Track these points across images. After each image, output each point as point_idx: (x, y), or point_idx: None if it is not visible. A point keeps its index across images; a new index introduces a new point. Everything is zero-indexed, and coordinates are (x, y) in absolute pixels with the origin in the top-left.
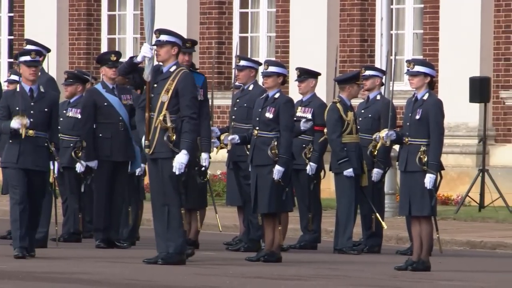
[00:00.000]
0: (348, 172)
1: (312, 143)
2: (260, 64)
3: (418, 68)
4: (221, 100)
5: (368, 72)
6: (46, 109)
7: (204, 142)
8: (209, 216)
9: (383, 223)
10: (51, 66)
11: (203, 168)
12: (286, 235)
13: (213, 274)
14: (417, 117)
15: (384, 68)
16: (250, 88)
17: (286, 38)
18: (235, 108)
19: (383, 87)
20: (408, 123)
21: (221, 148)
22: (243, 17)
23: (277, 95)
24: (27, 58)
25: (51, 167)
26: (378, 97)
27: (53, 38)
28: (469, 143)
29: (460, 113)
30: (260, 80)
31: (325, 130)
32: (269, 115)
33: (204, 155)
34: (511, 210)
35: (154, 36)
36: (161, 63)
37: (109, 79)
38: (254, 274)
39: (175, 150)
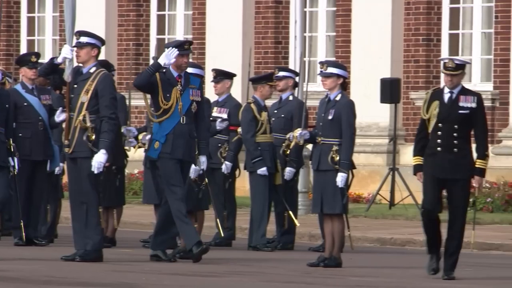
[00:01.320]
0: (262, 171)
1: (228, 143)
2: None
3: (330, 70)
4: (138, 101)
5: (281, 73)
6: (6, 105)
7: (202, 144)
8: (126, 214)
9: (296, 220)
10: None
11: (201, 172)
12: (202, 232)
13: (130, 271)
14: (330, 117)
15: (298, 70)
16: None
17: (202, 40)
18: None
19: (296, 88)
20: (321, 123)
21: (139, 147)
22: (160, 19)
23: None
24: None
25: (11, 163)
26: (291, 98)
27: None
28: (380, 142)
29: (372, 113)
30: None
31: (239, 129)
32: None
33: (202, 158)
34: (420, 207)
35: (74, 38)
36: (81, 64)
37: (28, 80)
38: (171, 271)
39: (94, 149)
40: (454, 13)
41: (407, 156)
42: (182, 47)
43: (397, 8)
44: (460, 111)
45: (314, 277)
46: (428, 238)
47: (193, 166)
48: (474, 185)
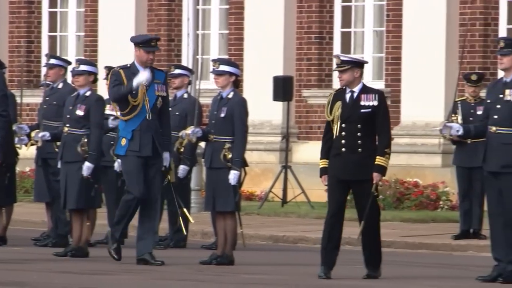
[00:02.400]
0: None
1: None
2: (69, 63)
3: (223, 68)
4: (30, 98)
5: (177, 71)
6: None
7: (165, 140)
8: (17, 212)
9: (190, 217)
10: None
11: (163, 169)
12: (94, 231)
13: (21, 270)
14: (222, 115)
15: (191, 67)
16: (60, 86)
17: (95, 38)
18: (45, 106)
19: (190, 85)
20: (213, 121)
21: (32, 144)
22: (52, 16)
23: (88, 93)
24: None
25: None
26: (185, 96)
27: None
28: (273, 140)
29: (264, 111)
30: (69, 78)
31: None
32: (79, 112)
33: (164, 154)
34: (312, 205)
35: None
36: None
37: None
38: (62, 269)
39: None
40: (346, 11)
41: (300, 154)
42: (149, 44)
43: (289, 6)
44: (362, 110)
45: (206, 274)
46: (327, 241)
47: (182, 166)
48: (374, 182)
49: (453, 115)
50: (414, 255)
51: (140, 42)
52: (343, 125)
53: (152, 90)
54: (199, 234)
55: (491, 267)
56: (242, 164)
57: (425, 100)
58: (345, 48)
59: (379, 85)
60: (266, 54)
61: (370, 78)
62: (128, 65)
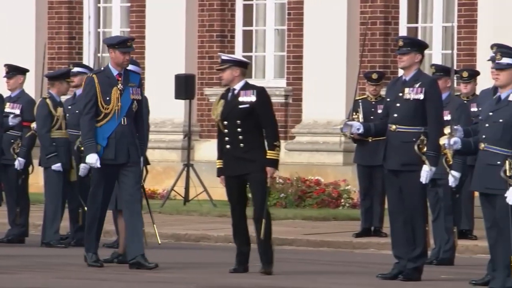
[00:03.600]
0: (57, 166)
1: (21, 138)
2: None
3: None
4: None
5: (76, 69)
6: None
7: (140, 144)
8: None
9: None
10: None
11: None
12: None
13: None
14: None
15: (92, 65)
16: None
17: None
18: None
19: None
20: None
21: None
22: None
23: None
24: None
25: None
26: None
27: None
28: (175, 138)
29: (166, 109)
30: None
31: (33, 125)
32: None
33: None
34: (214, 203)
35: None
36: None
37: None
38: None
39: None
40: (248, 9)
41: (202, 152)
42: (125, 44)
43: (191, 4)
44: (240, 106)
45: (108, 273)
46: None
47: (83, 164)
48: (268, 175)
49: (354, 113)
50: (315, 253)
51: (116, 44)
52: (225, 122)
53: (127, 94)
54: (102, 232)
55: (392, 264)
56: (144, 162)
57: (327, 99)
58: (247, 46)
59: (281, 83)
60: (168, 52)
61: (272, 76)
62: (102, 68)
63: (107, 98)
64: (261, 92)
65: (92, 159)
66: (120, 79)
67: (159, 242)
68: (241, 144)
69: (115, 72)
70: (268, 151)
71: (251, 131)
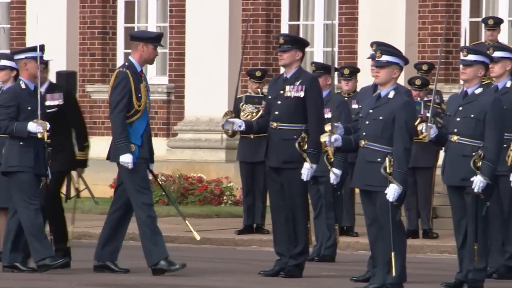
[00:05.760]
0: None
1: None
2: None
3: (3, 62)
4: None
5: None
6: None
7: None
8: None
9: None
10: None
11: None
12: None
13: None
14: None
15: None
16: None
17: None
18: None
19: None
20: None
21: None
22: None
23: None
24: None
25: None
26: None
27: None
28: None
29: None
30: None
31: None
32: None
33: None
34: (96, 201)
35: None
36: None
37: None
38: None
39: None
40: (130, 6)
41: None
42: (160, 40)
43: (72, 1)
44: (48, 110)
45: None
46: None
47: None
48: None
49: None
50: (198, 250)
51: (151, 38)
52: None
53: (147, 92)
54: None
55: (274, 261)
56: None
57: (209, 96)
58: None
59: (163, 80)
60: (49, 49)
61: (154, 73)
62: (127, 63)
63: (139, 95)
64: (67, 95)
65: (128, 158)
66: (142, 75)
67: (198, 238)
68: (49, 148)
69: (138, 68)
70: (78, 152)
71: (60, 133)
